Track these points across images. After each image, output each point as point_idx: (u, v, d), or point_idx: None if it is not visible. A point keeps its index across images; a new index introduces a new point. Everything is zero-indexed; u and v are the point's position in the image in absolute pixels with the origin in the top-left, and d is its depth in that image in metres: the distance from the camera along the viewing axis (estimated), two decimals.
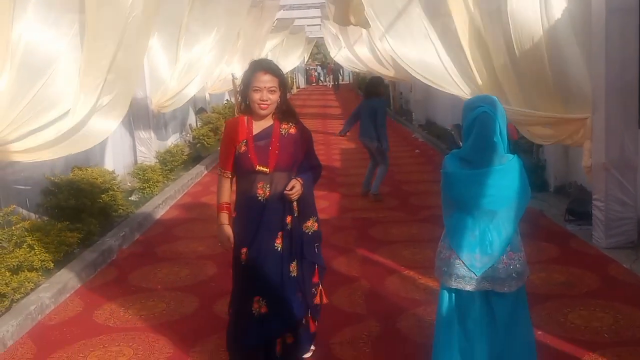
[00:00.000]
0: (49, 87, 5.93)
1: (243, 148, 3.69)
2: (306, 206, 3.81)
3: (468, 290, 3.19)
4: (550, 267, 5.69)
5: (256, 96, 3.64)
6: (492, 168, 3.11)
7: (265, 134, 3.74)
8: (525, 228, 6.62)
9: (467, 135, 3.13)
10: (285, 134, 3.76)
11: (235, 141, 3.72)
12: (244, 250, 3.73)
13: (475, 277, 3.14)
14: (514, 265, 3.18)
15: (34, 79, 5.76)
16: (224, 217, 3.82)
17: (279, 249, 3.72)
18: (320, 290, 3.99)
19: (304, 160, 3.85)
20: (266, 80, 3.63)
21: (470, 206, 3.16)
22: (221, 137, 3.91)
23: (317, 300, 3.97)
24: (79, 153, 8.76)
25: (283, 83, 3.75)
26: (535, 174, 8.63)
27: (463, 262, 3.15)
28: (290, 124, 3.80)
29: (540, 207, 7.71)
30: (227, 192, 3.84)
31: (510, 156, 3.16)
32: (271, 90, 3.65)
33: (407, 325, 4.62)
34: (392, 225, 7.45)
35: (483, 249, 3.13)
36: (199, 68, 12.11)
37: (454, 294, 3.27)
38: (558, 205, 7.69)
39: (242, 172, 3.73)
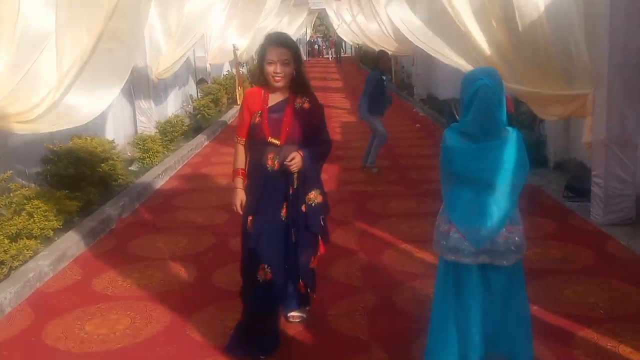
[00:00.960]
0: (46, 59, 5.91)
1: (257, 119, 3.82)
2: (308, 178, 3.87)
3: (466, 263, 3.20)
4: (547, 243, 5.71)
5: (270, 69, 3.73)
6: (493, 142, 3.10)
7: (279, 106, 3.84)
8: (523, 203, 6.62)
9: (467, 108, 3.11)
10: (298, 108, 3.85)
11: (252, 111, 3.85)
12: (250, 218, 3.88)
13: (474, 251, 3.15)
14: (512, 239, 3.19)
15: (31, 52, 5.75)
16: (239, 182, 3.98)
17: (284, 218, 3.86)
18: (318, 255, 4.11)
19: (315, 134, 3.92)
20: (280, 53, 3.72)
21: (470, 180, 3.15)
22: (239, 109, 4.03)
23: (313, 264, 4.08)
24: None
25: (297, 56, 3.83)
26: (535, 149, 8.61)
27: (463, 236, 3.15)
28: (304, 98, 3.89)
29: (539, 183, 7.72)
30: (242, 158, 3.98)
31: (510, 129, 3.15)
32: (285, 63, 3.73)
33: (403, 299, 4.64)
34: (391, 198, 7.46)
35: (483, 222, 3.13)
36: (197, 33, 12.05)
37: (451, 267, 3.28)
38: (557, 182, 7.69)
39: (255, 142, 3.86)
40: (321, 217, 3.97)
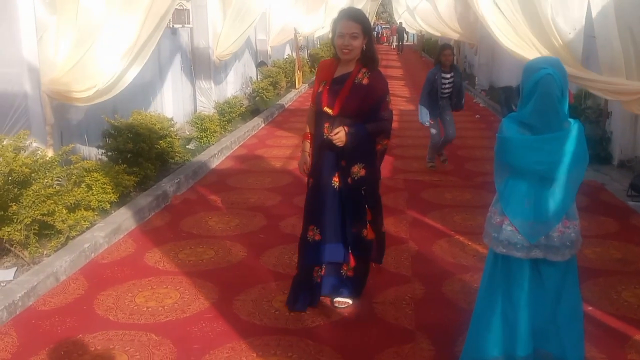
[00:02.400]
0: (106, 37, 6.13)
1: (321, 88, 4.07)
2: (352, 152, 3.99)
3: (517, 258, 3.10)
4: (607, 242, 5.50)
5: (339, 42, 3.93)
6: (553, 134, 2.98)
7: (342, 79, 4.03)
8: (584, 201, 6.51)
9: (528, 98, 2.99)
10: (357, 82, 3.98)
11: (320, 80, 4.12)
12: (310, 180, 4.21)
13: (527, 245, 3.05)
14: (568, 234, 3.07)
15: (92, 30, 5.97)
16: (306, 145, 4.24)
17: (336, 186, 4.10)
18: (369, 227, 4.23)
19: (372, 110, 3.98)
20: (349, 27, 3.90)
21: (526, 172, 3.04)
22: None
23: (367, 234, 4.21)
24: (142, 98, 8.98)
25: (367, 30, 3.98)
26: (599, 145, 8.32)
27: (516, 229, 3.05)
28: (367, 73, 3.99)
29: (602, 181, 7.44)
30: (312, 123, 4.21)
31: (572, 121, 3.02)
32: (353, 37, 3.90)
33: (452, 290, 4.56)
34: (445, 189, 7.33)
35: (538, 216, 3.02)
36: (253, 14, 12.14)
37: (501, 261, 3.19)
38: (621, 180, 7.40)
39: (317, 109, 4.11)
40: (362, 188, 4.07)
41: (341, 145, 3.92)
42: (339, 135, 3.89)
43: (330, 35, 4.21)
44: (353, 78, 3.97)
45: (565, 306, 3.22)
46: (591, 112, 8.84)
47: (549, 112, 2.95)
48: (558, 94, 2.93)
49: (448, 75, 7.97)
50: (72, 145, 5.92)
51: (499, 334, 3.20)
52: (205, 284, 4.66)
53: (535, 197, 3.03)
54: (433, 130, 8.23)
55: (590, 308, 4.22)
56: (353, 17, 3.93)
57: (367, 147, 4.05)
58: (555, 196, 3.01)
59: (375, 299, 4.40)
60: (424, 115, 8.02)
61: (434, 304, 4.36)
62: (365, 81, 3.96)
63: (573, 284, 3.26)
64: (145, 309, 4.25)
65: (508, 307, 3.22)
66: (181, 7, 10.31)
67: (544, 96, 2.92)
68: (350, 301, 4.29)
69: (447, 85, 8.00)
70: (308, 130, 4.24)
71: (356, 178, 4.02)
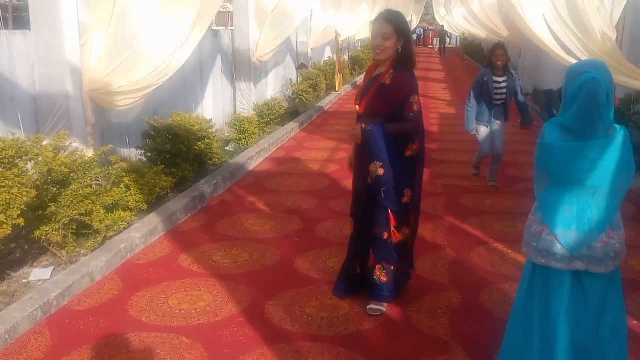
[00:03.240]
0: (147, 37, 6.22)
1: (359, 87, 4.32)
2: (370, 150, 4.06)
3: (557, 269, 2.97)
4: None
5: (373, 42, 4.08)
6: (597, 141, 2.84)
7: (374, 79, 4.14)
8: (632, 210, 6.27)
9: (571, 103, 2.87)
10: (383, 83, 4.04)
11: (364, 80, 4.31)
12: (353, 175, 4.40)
13: (568, 256, 2.92)
14: (612, 245, 2.93)
15: (132, 31, 6.10)
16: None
17: (369, 183, 4.15)
18: (393, 231, 4.19)
19: (399, 111, 4.02)
20: (381, 27, 4.00)
21: (569, 180, 2.92)
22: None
23: (389, 237, 4.19)
24: (182, 100, 9.05)
25: (401, 31, 4.03)
26: None
27: (557, 239, 2.93)
28: (392, 74, 4.04)
29: None
30: None
31: (617, 127, 2.88)
32: (385, 37, 3.98)
33: (490, 300, 4.43)
34: (485, 195, 7.17)
35: (580, 226, 2.89)
36: (293, 19, 12.13)
37: (540, 271, 3.06)
38: None
39: None
40: (382, 189, 4.07)
41: (358, 142, 4.10)
42: (355, 132, 4.05)
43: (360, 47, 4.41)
44: (382, 79, 4.05)
45: (608, 321, 3.07)
46: (639, 117, 8.54)
47: (593, 118, 2.82)
48: (603, 99, 2.80)
49: (500, 80, 7.14)
50: (111, 146, 5.97)
51: (536, 350, 3.07)
52: (238, 287, 4.64)
53: (577, 206, 2.90)
54: (482, 140, 7.48)
55: (635, 322, 4.05)
56: (386, 18, 4.02)
57: (385, 145, 4.02)
58: (599, 206, 2.87)
59: (411, 307, 4.31)
60: (470, 122, 7.35)
61: (471, 313, 4.25)
62: (388, 81, 4.02)
63: (617, 298, 3.12)
64: (178, 311, 4.24)
65: (546, 320, 3.09)
66: (224, 10, 10.39)
67: (588, 101, 2.80)
68: (382, 309, 4.21)
69: (499, 91, 7.17)
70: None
71: (374, 177, 4.06)
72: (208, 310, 4.26)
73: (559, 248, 2.92)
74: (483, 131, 7.40)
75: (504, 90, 7.18)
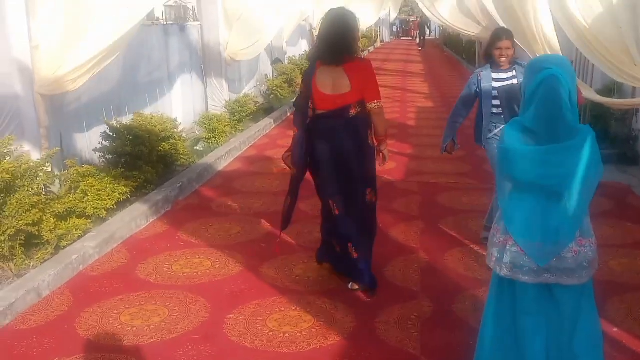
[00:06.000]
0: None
1: None
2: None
3: (525, 282, 2.73)
4: (635, 253, 5.05)
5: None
6: (561, 144, 2.58)
7: None
8: (609, 205, 6.05)
9: (529, 101, 2.61)
10: None
11: None
12: None
13: (536, 268, 2.68)
14: (584, 253, 2.70)
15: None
16: None
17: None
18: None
19: None
20: None
21: (532, 187, 2.66)
22: (374, 74, 4.36)
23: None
24: (149, 98, 8.71)
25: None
26: (626, 145, 7.85)
27: (522, 250, 2.68)
28: None
29: (630, 183, 6.97)
30: None
31: (582, 128, 2.62)
32: None
33: (464, 308, 4.18)
34: (462, 192, 6.92)
35: (546, 236, 2.64)
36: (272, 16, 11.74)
37: (507, 285, 2.82)
38: None
39: None
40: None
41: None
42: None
43: (356, 35, 4.31)
44: None
45: (582, 334, 2.85)
46: (617, 109, 8.35)
47: (554, 119, 2.56)
48: (565, 98, 2.54)
49: (504, 76, 4.89)
50: (57, 149, 5.63)
51: None
52: (197, 299, 4.35)
53: (542, 214, 2.65)
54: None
55: (615, 330, 3.82)
56: None
57: None
58: (566, 212, 2.62)
59: (378, 317, 4.05)
60: (446, 137, 5.35)
61: (443, 323, 3.99)
62: None
63: (590, 307, 2.90)
64: (129, 328, 3.95)
65: (517, 335, 2.86)
66: (178, 3, 10.01)
67: (547, 101, 2.54)
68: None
69: (499, 93, 4.88)
70: None
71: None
72: (162, 326, 3.97)
73: (525, 260, 2.68)
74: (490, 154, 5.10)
75: (509, 91, 4.84)
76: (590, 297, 2.89)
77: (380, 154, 4.47)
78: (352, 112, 4.21)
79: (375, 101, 4.24)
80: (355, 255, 4.33)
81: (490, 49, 4.97)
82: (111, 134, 6.63)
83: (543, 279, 2.70)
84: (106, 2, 5.87)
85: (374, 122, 4.30)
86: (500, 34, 4.97)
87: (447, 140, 5.32)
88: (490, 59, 4.98)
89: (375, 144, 4.41)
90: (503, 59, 4.85)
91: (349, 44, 4.17)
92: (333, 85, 4.18)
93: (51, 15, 5.68)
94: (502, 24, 8.00)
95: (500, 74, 4.91)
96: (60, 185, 5.64)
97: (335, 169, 4.30)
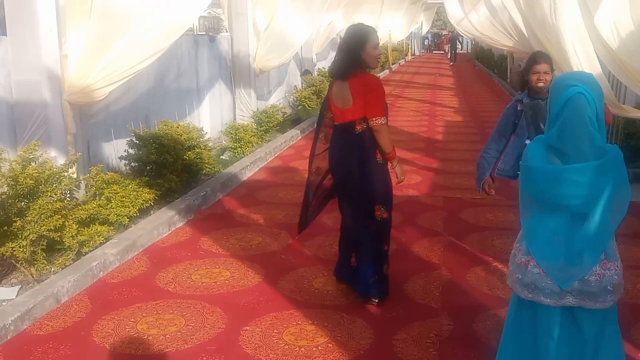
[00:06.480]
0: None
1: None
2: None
3: (547, 305, 2.64)
4: None
5: (377, 52, 4.24)
6: (586, 164, 2.49)
7: None
8: (638, 225, 5.88)
9: (555, 119, 2.53)
10: None
11: None
12: None
13: (558, 291, 2.58)
14: (609, 276, 2.60)
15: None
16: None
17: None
18: None
19: None
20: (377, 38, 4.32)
21: (555, 207, 2.58)
22: (382, 90, 4.29)
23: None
24: (177, 107, 8.77)
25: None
26: None
27: (544, 272, 2.59)
28: None
29: None
30: None
31: (609, 147, 2.53)
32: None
33: (485, 328, 4.08)
34: (488, 209, 6.80)
35: (570, 258, 2.55)
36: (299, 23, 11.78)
37: (527, 305, 2.73)
38: None
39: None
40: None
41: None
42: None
43: (352, 46, 4.22)
44: None
45: (605, 359, 2.75)
46: None
47: (580, 138, 2.47)
48: (591, 116, 2.45)
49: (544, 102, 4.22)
50: (80, 154, 5.68)
51: None
52: (214, 309, 4.32)
53: (566, 235, 2.56)
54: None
55: None
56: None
57: None
58: (590, 234, 2.52)
59: (397, 334, 3.97)
60: (481, 175, 4.77)
61: (462, 343, 3.90)
62: None
63: (614, 332, 2.79)
64: (145, 337, 3.93)
65: (537, 358, 2.76)
66: (211, 14, 10.10)
67: (573, 119, 2.46)
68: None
69: (525, 110, 4.49)
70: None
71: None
72: (178, 336, 3.94)
73: (547, 282, 2.59)
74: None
75: (541, 105, 4.37)
76: (614, 321, 2.79)
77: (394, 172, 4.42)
78: (358, 128, 4.23)
79: (375, 118, 4.16)
80: (355, 264, 4.46)
81: (527, 73, 4.51)
82: (137, 141, 6.67)
83: (565, 302, 2.61)
84: (142, 21, 5.96)
85: (377, 140, 4.22)
86: (537, 58, 4.54)
87: (483, 178, 4.75)
88: (526, 85, 4.54)
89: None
90: (541, 84, 4.36)
91: (353, 59, 4.18)
92: (342, 99, 4.25)
93: (82, 25, 5.78)
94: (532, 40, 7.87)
95: (541, 101, 4.37)
96: (86, 191, 5.68)
97: (342, 182, 4.41)
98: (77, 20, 5.75)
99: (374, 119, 4.16)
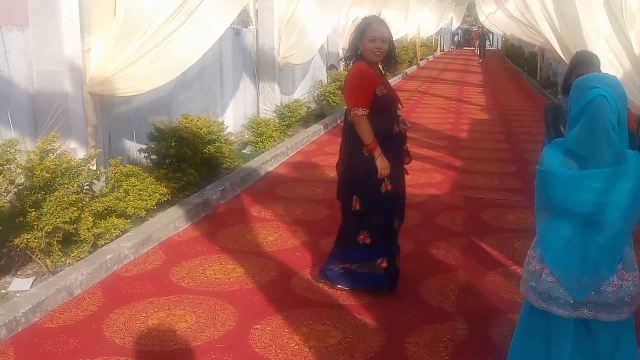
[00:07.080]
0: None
1: (384, 90, 4.26)
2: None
3: (560, 315, 2.54)
4: None
5: (373, 45, 4.20)
6: (605, 170, 2.39)
7: (385, 79, 4.43)
8: None
9: (575, 121, 2.43)
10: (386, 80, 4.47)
11: (375, 84, 4.22)
12: (388, 182, 4.26)
13: (572, 302, 2.49)
14: (627, 287, 2.50)
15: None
16: (380, 150, 4.20)
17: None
18: None
19: None
20: (381, 32, 4.23)
21: (571, 214, 2.48)
22: (357, 81, 4.29)
23: None
24: (200, 101, 8.78)
25: (390, 35, 4.36)
26: None
27: (558, 281, 2.50)
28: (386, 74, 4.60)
29: None
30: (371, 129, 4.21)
31: (630, 153, 2.42)
32: (384, 40, 4.24)
33: (500, 333, 3.98)
34: (509, 210, 6.66)
35: (585, 267, 2.45)
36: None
37: (541, 316, 2.64)
38: None
39: (382, 111, 4.23)
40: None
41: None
42: (409, 124, 4.40)
43: (353, 38, 4.36)
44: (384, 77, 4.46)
45: None
46: None
47: (599, 142, 2.37)
48: (612, 120, 2.34)
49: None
50: (99, 151, 5.67)
51: None
52: (226, 306, 4.28)
53: (581, 243, 2.46)
54: None
55: None
56: (383, 23, 4.28)
57: None
58: (607, 243, 2.42)
59: (409, 337, 3.89)
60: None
61: (476, 348, 3.81)
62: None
63: (630, 345, 2.69)
64: (155, 333, 3.91)
65: None
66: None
67: (593, 122, 2.35)
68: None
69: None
70: (374, 138, 4.18)
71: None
72: (188, 333, 3.91)
73: (561, 292, 2.50)
74: None
75: (562, 106, 4.55)
76: (631, 333, 2.69)
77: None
78: (349, 117, 4.31)
79: (351, 108, 4.24)
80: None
81: (571, 76, 4.32)
82: (156, 134, 6.67)
83: (579, 313, 2.51)
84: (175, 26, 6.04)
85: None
86: (583, 59, 4.39)
87: None
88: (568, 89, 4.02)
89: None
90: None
91: (352, 50, 4.37)
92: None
93: (105, 16, 5.79)
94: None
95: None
96: (105, 183, 5.68)
97: (337, 169, 4.58)
98: (101, 17, 5.75)
99: (350, 109, 4.24)
